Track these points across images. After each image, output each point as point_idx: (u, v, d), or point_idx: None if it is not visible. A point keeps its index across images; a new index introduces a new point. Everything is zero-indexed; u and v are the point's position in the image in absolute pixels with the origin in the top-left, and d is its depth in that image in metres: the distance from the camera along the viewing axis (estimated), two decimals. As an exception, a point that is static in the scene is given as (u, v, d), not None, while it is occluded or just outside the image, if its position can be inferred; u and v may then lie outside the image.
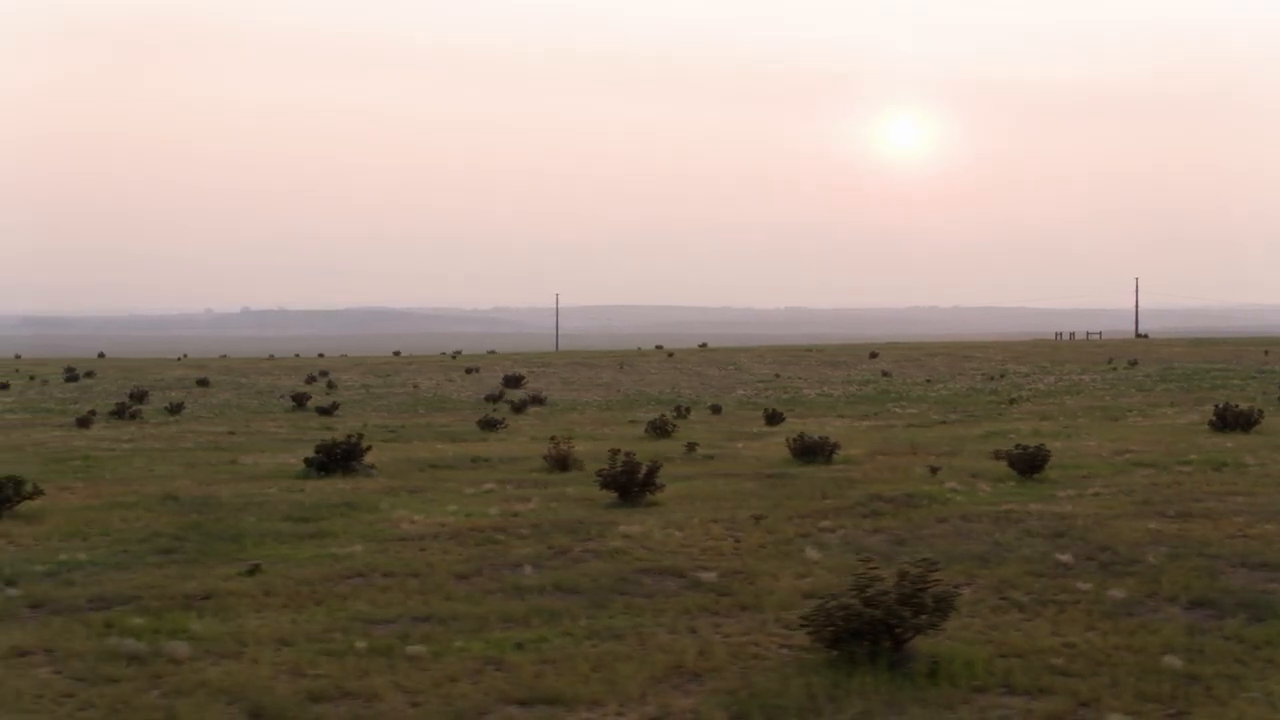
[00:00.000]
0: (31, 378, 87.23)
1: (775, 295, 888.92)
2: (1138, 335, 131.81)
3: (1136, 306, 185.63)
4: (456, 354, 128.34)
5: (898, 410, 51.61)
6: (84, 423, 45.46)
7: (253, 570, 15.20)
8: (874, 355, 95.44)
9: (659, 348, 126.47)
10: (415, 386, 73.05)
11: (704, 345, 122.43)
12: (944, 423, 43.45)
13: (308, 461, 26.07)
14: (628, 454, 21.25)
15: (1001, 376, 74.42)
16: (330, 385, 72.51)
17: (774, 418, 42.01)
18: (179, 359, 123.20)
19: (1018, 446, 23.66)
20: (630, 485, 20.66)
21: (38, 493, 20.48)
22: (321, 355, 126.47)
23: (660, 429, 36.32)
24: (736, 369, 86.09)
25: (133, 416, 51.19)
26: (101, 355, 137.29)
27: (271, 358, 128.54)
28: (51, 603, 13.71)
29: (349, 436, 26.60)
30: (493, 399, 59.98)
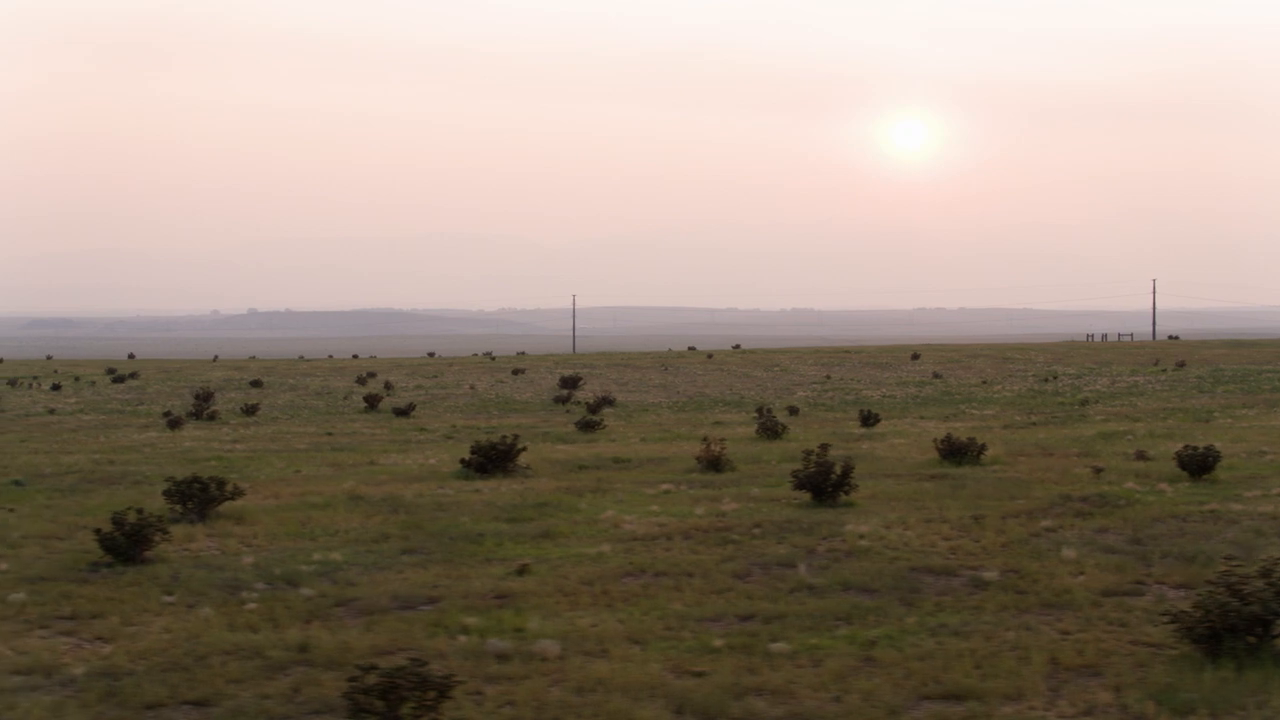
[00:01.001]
0: (76, 379, 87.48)
1: (781, 297, 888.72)
2: (1169, 337, 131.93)
3: (1154, 308, 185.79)
4: (489, 355, 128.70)
5: (975, 412, 51.71)
6: (175, 424, 45.60)
7: (522, 570, 15.40)
8: (916, 357, 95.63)
9: (692, 349, 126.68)
10: (472, 388, 73.17)
11: (737, 347, 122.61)
12: (1034, 424, 43.53)
13: (465, 462, 26.24)
14: (818, 456, 21.42)
15: (1054, 378, 74.54)
16: (387, 386, 72.65)
17: (869, 419, 42.13)
18: (213, 360, 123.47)
19: (1186, 448, 23.80)
20: (824, 486, 20.84)
21: (238, 493, 20.66)
22: (355, 357, 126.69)
23: (771, 430, 36.47)
24: (783, 370, 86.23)
25: (211, 417, 51.33)
26: (132, 356, 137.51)
27: (302, 358, 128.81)
28: (353, 601, 13.90)
29: (503, 438, 26.75)
30: (561, 400, 60.12)
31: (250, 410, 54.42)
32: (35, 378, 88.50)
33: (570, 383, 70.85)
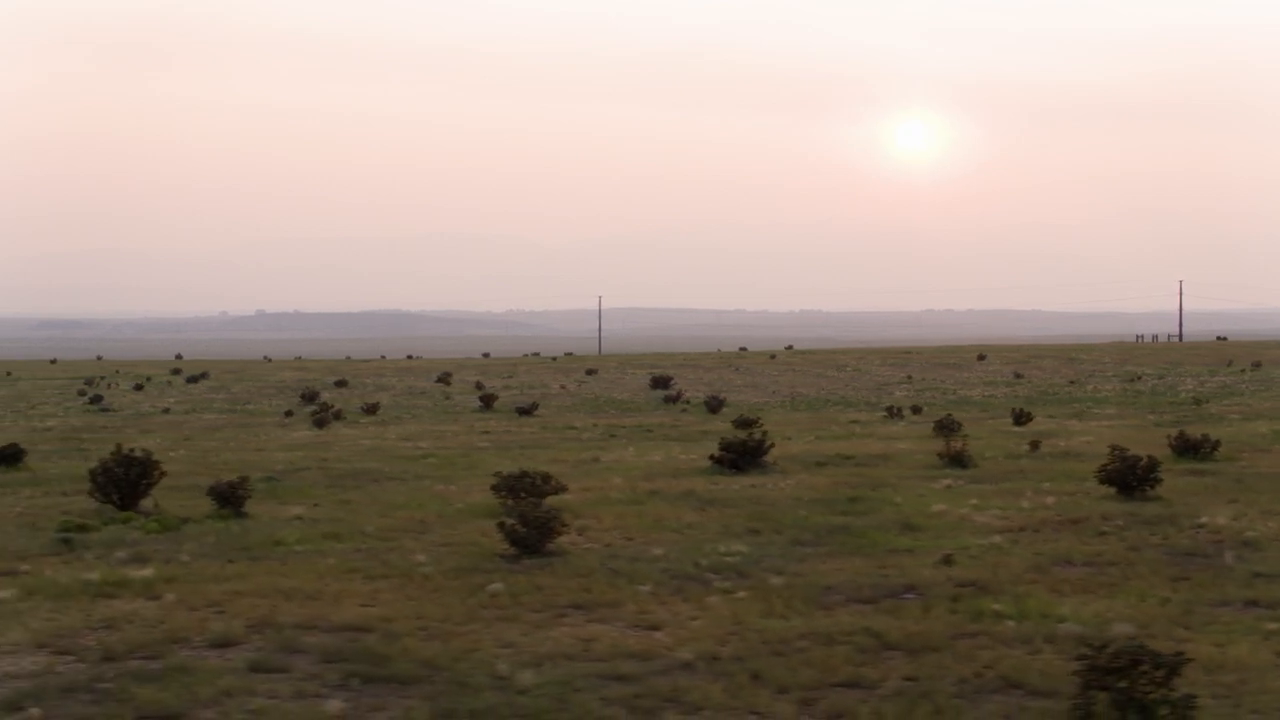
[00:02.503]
0: (148, 379, 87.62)
1: (787, 298, 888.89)
2: (1218, 338, 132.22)
3: (1181, 310, 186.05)
4: (537, 355, 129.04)
5: (1098, 411, 51.91)
6: (321, 423, 45.83)
7: (947, 560, 15.64)
8: (982, 358, 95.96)
9: (743, 349, 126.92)
10: (562, 387, 73.41)
11: (790, 347, 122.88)
12: (1183, 423, 43.72)
13: (716, 459, 26.48)
14: (1121, 451, 21.67)
15: (1138, 379, 74.77)
16: (479, 386, 72.84)
17: (1021, 417, 42.43)
18: (266, 361, 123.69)
19: None
20: (1129, 480, 21.09)
21: (561, 488, 20.88)
22: (411, 357, 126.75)
23: (948, 428, 36.67)
24: (856, 371, 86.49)
25: (338, 417, 51.48)
26: (179, 357, 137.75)
27: (349, 359, 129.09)
28: (831, 589, 14.11)
29: (750, 435, 26.99)
30: (671, 400, 60.35)
31: (371, 410, 54.60)
32: (102, 377, 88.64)
33: (662, 382, 71.09)
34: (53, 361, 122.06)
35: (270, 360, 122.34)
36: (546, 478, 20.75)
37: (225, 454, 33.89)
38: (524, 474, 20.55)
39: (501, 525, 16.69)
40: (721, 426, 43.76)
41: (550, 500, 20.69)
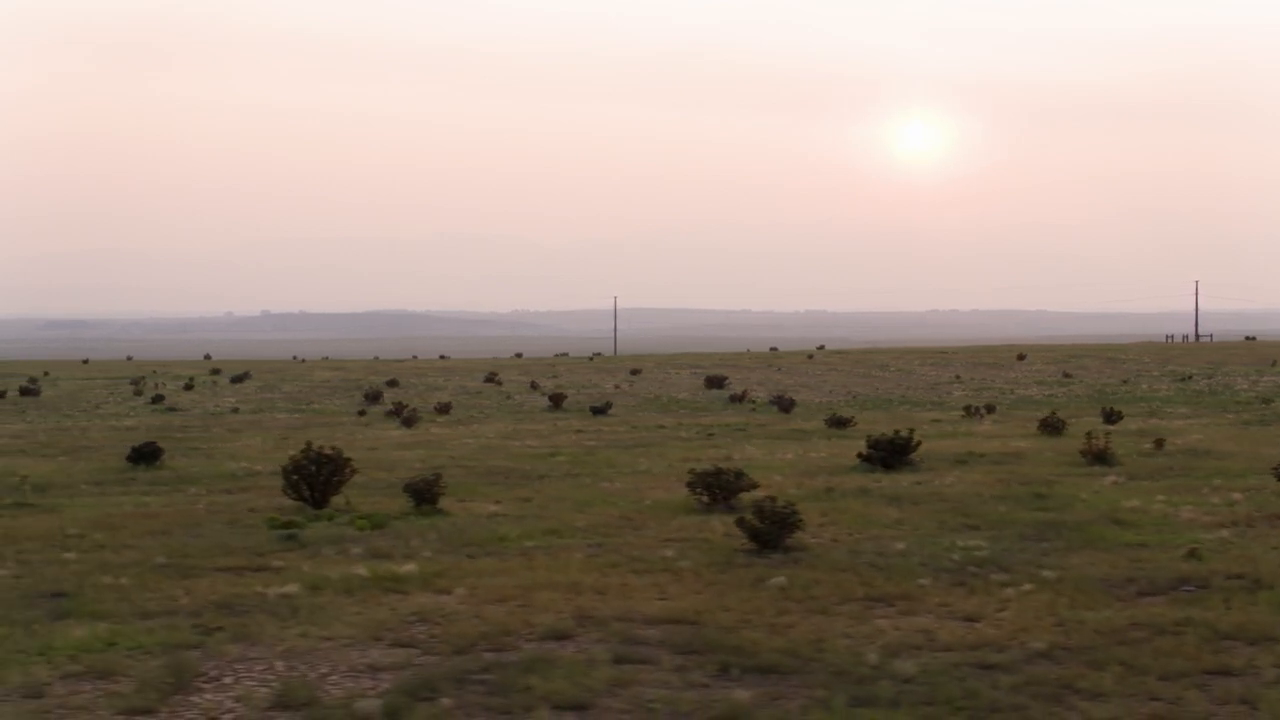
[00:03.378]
0: (192, 379, 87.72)
1: (792, 298, 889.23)
2: (1246, 338, 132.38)
3: (1197, 311, 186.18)
4: (566, 355, 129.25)
5: (1170, 411, 52.08)
6: (409, 421, 45.95)
7: (1192, 554, 15.77)
8: (1022, 357, 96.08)
9: (773, 349, 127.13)
10: (616, 387, 73.51)
11: (822, 348, 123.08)
12: (1261, 422, 43.90)
13: (864, 456, 26.62)
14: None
15: (1189, 378, 74.88)
16: (534, 385, 73.00)
17: (1112, 416, 42.64)
18: (296, 360, 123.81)
19: None
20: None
21: (754, 485, 21.00)
22: (444, 357, 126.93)
23: (1054, 427, 36.84)
24: (902, 371, 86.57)
25: (414, 416, 51.54)
26: (208, 357, 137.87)
27: (376, 359, 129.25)
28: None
29: (896, 432, 27.12)
30: (736, 399, 60.48)
31: (444, 409, 54.71)
32: (143, 378, 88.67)
33: (717, 382, 71.26)
34: (85, 361, 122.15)
35: (302, 360, 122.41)
36: (740, 474, 20.90)
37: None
38: (719, 471, 20.70)
39: (741, 521, 16.83)
40: (809, 425, 43.99)
41: (744, 498, 20.88)
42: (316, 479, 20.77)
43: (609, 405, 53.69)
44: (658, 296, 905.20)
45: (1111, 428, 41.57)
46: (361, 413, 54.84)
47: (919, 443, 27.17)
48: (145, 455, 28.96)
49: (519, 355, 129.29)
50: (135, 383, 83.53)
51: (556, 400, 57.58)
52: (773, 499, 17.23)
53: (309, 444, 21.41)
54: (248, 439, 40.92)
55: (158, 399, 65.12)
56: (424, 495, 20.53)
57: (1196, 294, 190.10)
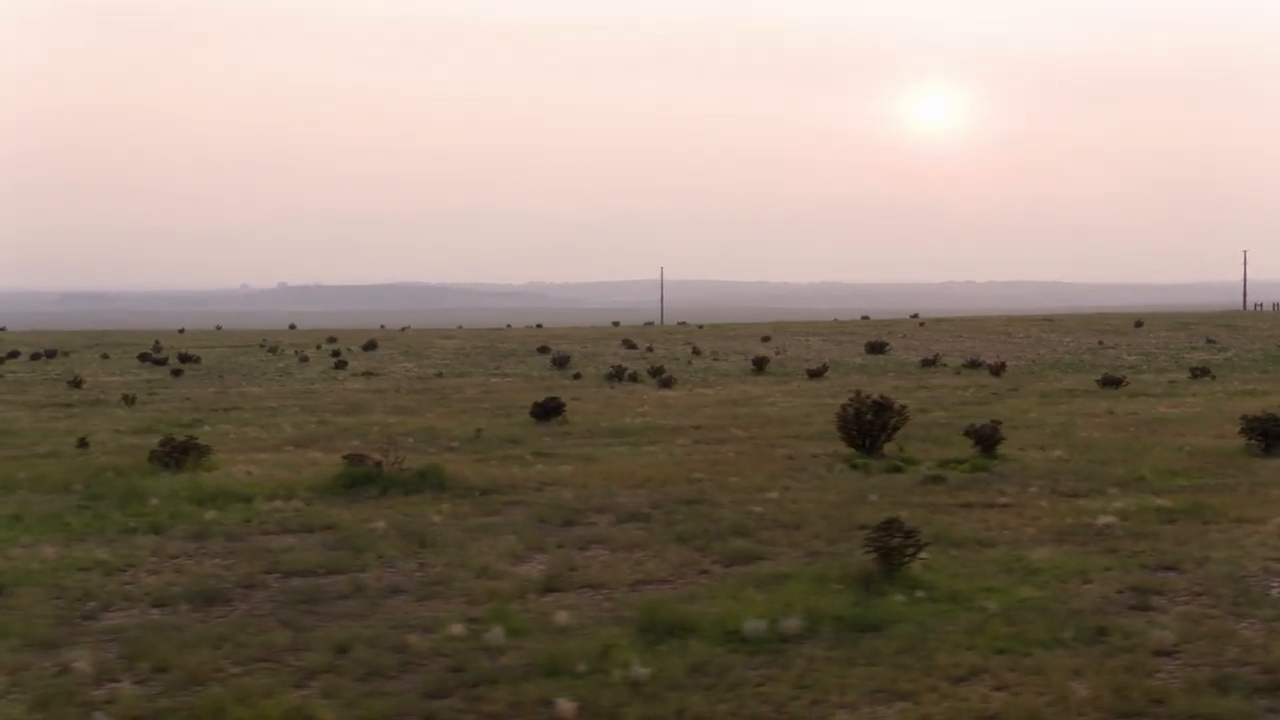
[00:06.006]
0: (318, 348, 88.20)
1: (809, 270, 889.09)
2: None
3: (1245, 281, 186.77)
4: (651, 324, 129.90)
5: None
6: (667, 383, 46.94)
7: None
8: (1140, 324, 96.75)
9: (865, 318, 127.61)
10: (778, 352, 74.05)
11: (915, 316, 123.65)
12: None
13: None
14: None
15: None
16: (649, 349, 73.67)
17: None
18: (380, 328, 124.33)
19: None
20: None
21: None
22: (539, 326, 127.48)
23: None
24: (1034, 338, 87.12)
25: (635, 379, 51.93)
26: (292, 327, 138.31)
27: (460, 328, 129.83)
28: None
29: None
30: (929, 363, 60.91)
31: (656, 373, 55.27)
32: (275, 348, 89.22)
33: (878, 347, 71.88)
34: (181, 331, 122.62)
35: (406, 330, 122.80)
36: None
37: (684, 410, 34.59)
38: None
39: None
40: (1054, 387, 44.57)
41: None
42: (872, 426, 21.39)
43: (825, 369, 54.26)
44: (673, 269, 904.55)
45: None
46: (577, 375, 55.34)
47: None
48: (549, 410, 29.60)
49: (615, 323, 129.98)
50: (272, 350, 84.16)
51: (759, 364, 58.13)
52: None
53: (858, 392, 22.01)
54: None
55: (341, 364, 65.63)
56: (988, 441, 21.15)
57: (1245, 265, 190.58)
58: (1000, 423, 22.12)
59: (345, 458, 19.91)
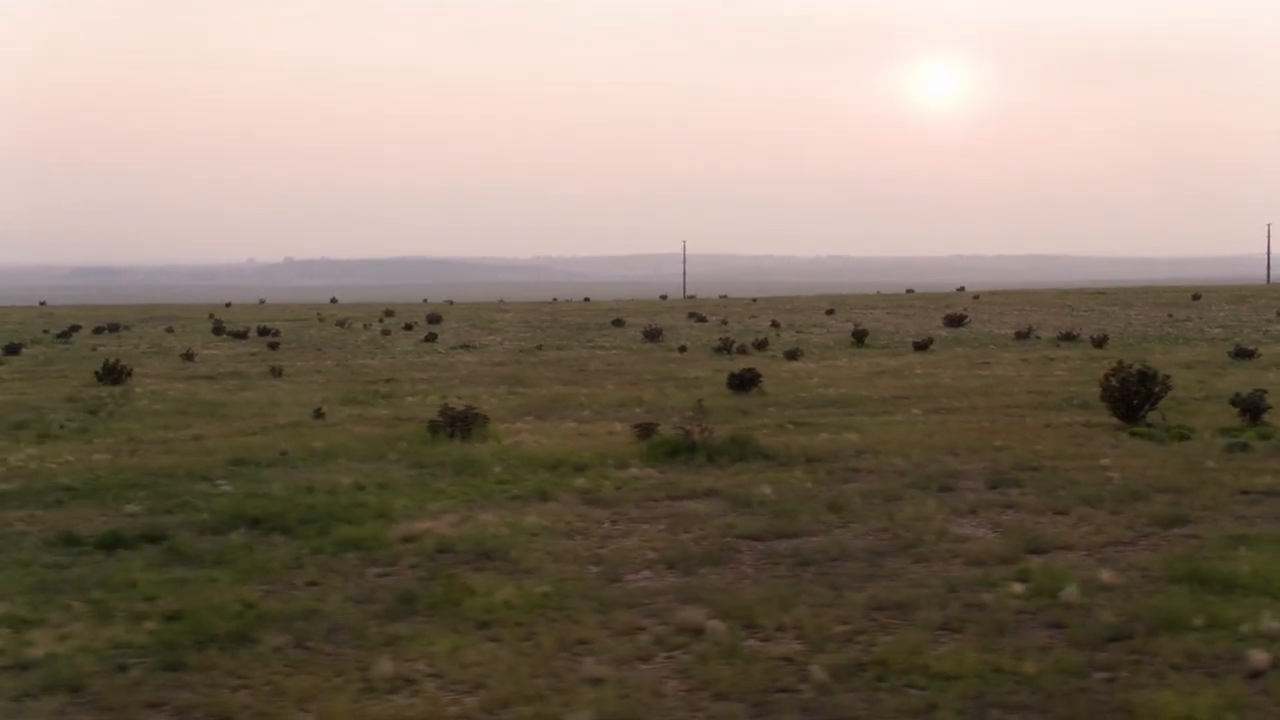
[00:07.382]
0: (379, 319, 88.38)
1: (815, 244, 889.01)
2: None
3: (1269, 254, 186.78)
4: (694, 297, 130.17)
5: None
6: (793, 355, 47.14)
7: None
8: (1197, 297, 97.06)
9: (910, 291, 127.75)
10: (855, 326, 74.40)
11: (962, 289, 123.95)
12: None
13: None
14: None
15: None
16: (774, 325, 73.87)
17: None
18: (422, 302, 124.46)
19: None
20: None
21: None
22: (587, 299, 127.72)
23: None
24: (1096, 311, 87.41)
25: (742, 350, 52.18)
26: (334, 300, 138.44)
27: (501, 301, 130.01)
28: None
29: None
30: (1023, 335, 61.05)
31: (761, 345, 55.56)
32: (345, 320, 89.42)
33: (956, 320, 72.16)
34: (228, 305, 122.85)
35: (453, 304, 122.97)
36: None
37: (851, 382, 34.89)
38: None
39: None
40: (1190, 357, 44.86)
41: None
42: (1138, 395, 21.67)
43: (931, 341, 54.53)
44: (676, 244, 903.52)
45: None
46: (683, 349, 55.49)
47: None
48: (746, 381, 29.91)
49: (663, 297, 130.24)
50: (340, 324, 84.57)
51: (859, 337, 58.40)
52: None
53: (1120, 362, 22.28)
54: (695, 370, 41.81)
55: (431, 336, 65.94)
56: (1255, 410, 21.42)
57: (1269, 238, 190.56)
58: (1265, 391, 22.39)
59: (636, 427, 20.22)
